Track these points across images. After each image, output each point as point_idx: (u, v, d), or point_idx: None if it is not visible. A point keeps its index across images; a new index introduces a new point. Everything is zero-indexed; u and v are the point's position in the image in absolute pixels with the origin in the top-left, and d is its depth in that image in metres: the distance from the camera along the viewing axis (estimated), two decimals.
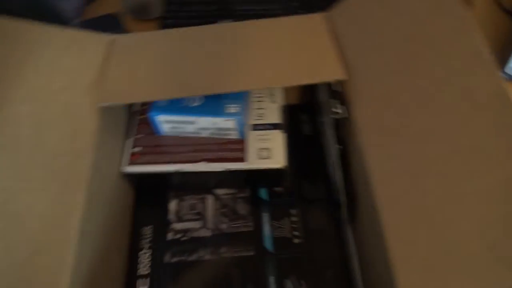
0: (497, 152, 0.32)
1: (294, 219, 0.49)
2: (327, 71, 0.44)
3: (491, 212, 0.31)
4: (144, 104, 0.53)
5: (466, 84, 0.35)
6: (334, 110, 0.44)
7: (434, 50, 0.39)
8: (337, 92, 0.45)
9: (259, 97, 0.52)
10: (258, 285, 0.45)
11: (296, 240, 0.47)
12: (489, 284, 0.29)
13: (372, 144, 0.39)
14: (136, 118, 0.52)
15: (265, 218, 0.49)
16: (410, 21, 0.41)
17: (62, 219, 0.37)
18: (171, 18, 0.71)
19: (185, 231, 0.48)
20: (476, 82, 0.35)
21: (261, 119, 0.50)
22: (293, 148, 0.54)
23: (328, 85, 0.46)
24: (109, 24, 0.70)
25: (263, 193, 0.51)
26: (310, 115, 0.58)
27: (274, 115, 0.51)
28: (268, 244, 0.47)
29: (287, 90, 0.57)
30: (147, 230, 0.48)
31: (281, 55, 0.46)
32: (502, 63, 0.63)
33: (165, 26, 0.70)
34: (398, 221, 0.35)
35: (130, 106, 0.54)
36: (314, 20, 0.50)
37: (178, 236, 0.48)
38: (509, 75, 0.63)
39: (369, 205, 0.39)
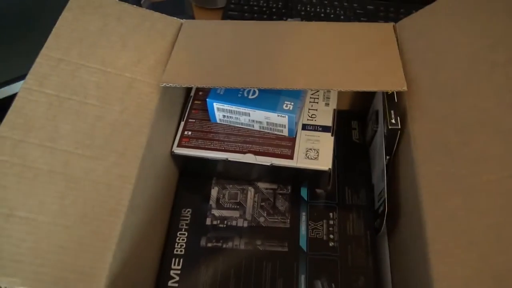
0: None
1: (331, 222, 0.49)
2: (387, 80, 0.44)
3: None
4: (200, 90, 0.55)
5: None
6: (390, 120, 0.43)
7: (505, 73, 0.38)
8: (393, 102, 0.45)
9: (314, 98, 0.53)
10: (288, 281, 0.45)
11: (331, 243, 0.48)
12: None
13: (427, 160, 0.39)
14: (191, 103, 0.54)
15: (303, 217, 0.49)
16: (479, 40, 0.40)
17: (115, 189, 0.38)
18: (235, 11, 0.72)
19: (223, 219, 0.49)
20: None
21: (313, 120, 0.51)
22: (341, 153, 0.55)
23: (386, 94, 0.46)
24: (176, 8, 0.72)
25: (304, 192, 0.51)
26: (361, 122, 0.58)
27: (326, 118, 0.51)
28: (302, 243, 0.48)
29: (341, 95, 0.57)
30: (187, 212, 0.50)
31: (343, 59, 0.46)
32: None
33: (227, 17, 0.72)
34: (445, 244, 0.34)
35: (188, 90, 0.55)
36: (382, 29, 0.50)
37: (216, 222, 0.49)
38: None
39: (415, 222, 0.39)
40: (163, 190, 0.49)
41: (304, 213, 0.50)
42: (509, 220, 0.32)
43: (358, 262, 0.46)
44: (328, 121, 0.50)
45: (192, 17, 0.72)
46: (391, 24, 0.50)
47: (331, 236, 0.48)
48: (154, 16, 0.50)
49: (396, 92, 0.46)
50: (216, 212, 0.50)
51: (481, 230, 0.32)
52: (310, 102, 0.52)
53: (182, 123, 0.52)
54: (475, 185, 0.34)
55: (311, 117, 0.51)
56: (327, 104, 0.52)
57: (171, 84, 0.44)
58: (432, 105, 0.41)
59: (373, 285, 0.45)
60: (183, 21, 0.51)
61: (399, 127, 0.43)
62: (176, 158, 0.50)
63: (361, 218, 0.49)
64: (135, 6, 0.49)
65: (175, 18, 0.51)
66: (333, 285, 0.45)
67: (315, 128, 0.50)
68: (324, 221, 0.49)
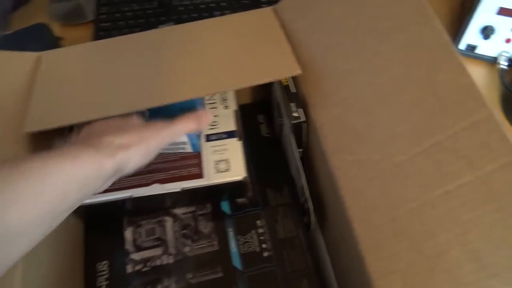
0: (465, 152, 0.30)
1: (261, 230, 0.46)
2: (279, 67, 0.41)
3: (467, 216, 0.29)
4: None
5: (428, 77, 0.33)
6: (292, 114, 0.40)
7: (391, 42, 0.36)
8: (291, 93, 0.42)
9: (211, 103, 0.48)
10: None
11: (265, 253, 0.45)
12: None
13: (337, 150, 0.36)
14: None
15: (230, 234, 0.46)
16: (362, 14, 0.38)
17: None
18: (106, 21, 0.65)
19: (145, 261, 0.44)
20: (440, 75, 0.32)
21: (215, 128, 0.46)
22: (253, 152, 0.51)
23: (282, 86, 0.43)
24: (39, 33, 0.63)
25: (226, 206, 0.47)
26: (267, 115, 0.55)
27: (228, 122, 0.47)
28: (236, 262, 0.44)
29: (239, 90, 0.53)
30: (103, 266, 0.44)
31: (229, 56, 0.42)
32: (454, 39, 0.62)
33: (100, 29, 0.64)
34: (372, 232, 0.32)
35: (67, 129, 0.49)
36: (262, 15, 0.46)
37: (139, 267, 0.44)
38: (461, 50, 0.62)
39: (339, 213, 0.37)
40: (67, 253, 0.42)
41: (230, 229, 0.46)
42: (427, 199, 0.30)
43: (297, 265, 0.44)
44: (231, 126, 0.47)
45: (56, 42, 0.63)
46: (270, 8, 0.47)
47: (264, 246, 0.45)
48: (4, 55, 0.42)
49: (293, 80, 0.44)
50: (135, 256, 0.44)
51: (405, 216, 0.31)
52: (208, 109, 0.48)
53: None
54: (390, 169, 0.33)
55: (213, 125, 0.47)
56: (226, 107, 0.48)
57: (39, 129, 0.38)
58: (330, 88, 0.39)
59: (318, 285, 0.43)
60: (40, 53, 0.44)
61: (303, 119, 0.40)
62: (74, 211, 0.44)
63: (289, 217, 0.47)
64: None
65: (29, 52, 0.44)
66: None
67: (219, 136, 0.46)
68: (253, 231, 0.46)
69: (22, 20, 0.65)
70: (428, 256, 0.29)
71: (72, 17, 0.67)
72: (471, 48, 0.62)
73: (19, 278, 0.33)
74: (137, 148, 0.34)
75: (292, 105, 0.41)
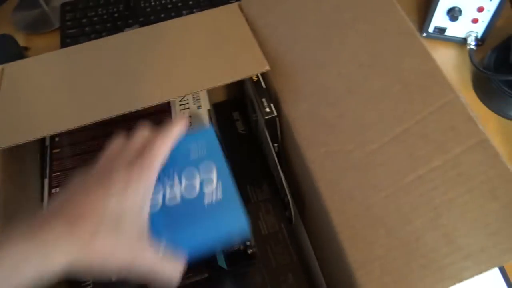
0: (434, 136, 0.30)
1: None
2: (248, 64, 0.41)
3: (439, 200, 0.29)
4: (56, 136, 0.47)
5: (393, 64, 0.33)
6: (264, 109, 0.40)
7: (356, 32, 0.36)
8: (262, 89, 0.42)
9: (183, 104, 0.48)
10: None
11: (249, 250, 0.44)
12: (452, 277, 0.28)
13: (310, 143, 0.36)
14: (50, 154, 0.46)
15: None
16: (327, 6, 0.38)
17: None
18: (73, 28, 0.64)
19: None
20: (405, 62, 0.33)
21: (189, 128, 0.46)
22: (230, 150, 0.51)
23: (252, 82, 0.43)
24: (3, 45, 0.62)
25: None
26: (242, 111, 0.55)
27: (202, 121, 0.47)
28: (221, 261, 0.44)
29: (212, 88, 0.53)
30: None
31: (197, 56, 0.42)
32: (422, 23, 0.63)
33: (66, 37, 0.63)
34: (349, 221, 0.33)
35: (41, 141, 0.48)
36: (228, 12, 0.46)
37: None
38: (430, 33, 0.63)
39: (317, 205, 0.37)
40: None
41: None
42: (401, 185, 0.30)
43: (282, 260, 0.44)
44: (205, 125, 0.46)
45: (22, 52, 0.62)
46: (236, 3, 0.46)
47: (247, 243, 0.45)
48: None
49: (262, 76, 0.43)
50: None
51: (380, 204, 0.31)
52: (181, 110, 0.48)
53: (46, 181, 0.44)
54: (362, 158, 0.33)
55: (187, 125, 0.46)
56: (199, 107, 0.48)
57: (8, 145, 0.37)
58: (300, 82, 0.39)
59: (303, 278, 0.43)
60: (2, 66, 0.43)
61: (275, 114, 0.40)
62: None
63: (271, 212, 0.47)
64: None
65: None
66: None
67: None
68: None
69: None
70: (404, 242, 0.29)
71: (37, 26, 0.65)
72: (440, 30, 0.63)
73: None
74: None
75: (264, 100, 0.41)
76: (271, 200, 0.48)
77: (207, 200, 0.33)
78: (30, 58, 0.45)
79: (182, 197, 0.33)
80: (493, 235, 0.27)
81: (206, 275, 0.43)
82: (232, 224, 0.33)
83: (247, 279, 0.43)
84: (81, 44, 0.46)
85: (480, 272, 0.27)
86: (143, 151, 0.31)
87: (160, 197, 0.33)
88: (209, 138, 0.37)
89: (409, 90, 0.32)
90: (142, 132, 0.34)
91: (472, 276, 0.27)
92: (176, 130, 0.34)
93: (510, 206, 0.27)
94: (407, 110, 0.31)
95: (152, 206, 0.31)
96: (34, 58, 0.44)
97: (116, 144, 0.33)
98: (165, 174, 0.34)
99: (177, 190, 0.33)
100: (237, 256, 0.44)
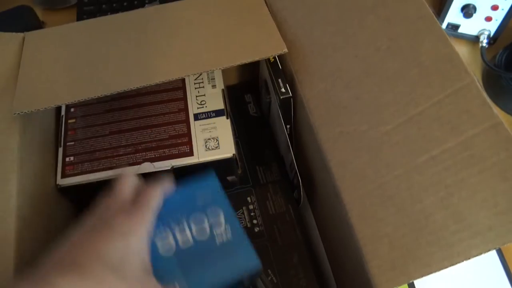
0: (448, 118, 0.31)
1: (251, 207, 0.47)
2: (266, 46, 0.41)
3: (451, 180, 0.30)
4: (72, 106, 0.48)
5: (411, 48, 0.34)
6: (279, 90, 0.41)
7: (376, 16, 0.37)
8: (278, 69, 0.43)
9: (198, 83, 0.49)
10: None
11: (256, 229, 0.45)
12: (460, 254, 0.29)
13: (324, 123, 0.37)
14: (65, 124, 0.47)
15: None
16: None
17: None
18: (90, 5, 0.64)
19: None
20: (423, 45, 0.33)
21: (203, 107, 0.47)
22: (241, 131, 0.52)
23: (269, 62, 0.43)
24: (22, 16, 0.62)
25: None
26: (254, 94, 0.55)
27: (216, 101, 0.47)
28: None
29: (226, 70, 0.53)
30: None
31: (216, 35, 0.43)
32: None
33: (83, 13, 0.64)
34: (360, 199, 0.33)
35: (57, 110, 0.48)
36: None
37: None
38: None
39: (328, 184, 0.37)
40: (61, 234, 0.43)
41: None
42: (414, 165, 0.31)
43: (288, 239, 0.45)
44: (219, 104, 0.47)
45: (40, 26, 0.62)
46: None
47: (255, 221, 0.46)
48: None
49: (279, 57, 0.44)
50: None
51: (392, 183, 0.32)
52: (195, 88, 0.48)
53: (60, 150, 0.45)
54: (376, 139, 0.33)
55: (201, 104, 0.47)
56: (214, 86, 0.48)
57: (27, 110, 0.38)
58: (316, 64, 0.40)
59: (308, 258, 0.44)
60: (24, 34, 0.44)
61: (290, 94, 0.41)
62: (65, 191, 0.44)
63: (279, 193, 0.47)
64: None
65: (14, 33, 0.43)
66: (269, 271, 0.43)
67: (208, 115, 0.46)
68: (244, 208, 0.47)
69: (4, 3, 0.64)
70: (414, 220, 0.30)
71: (54, 1, 0.66)
72: (453, 27, 0.63)
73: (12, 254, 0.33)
74: None
75: (280, 81, 0.42)
76: (279, 181, 0.48)
77: (218, 240, 0.35)
78: (50, 28, 0.45)
79: (194, 239, 0.35)
80: (502, 214, 0.28)
81: None
82: (246, 261, 0.34)
83: None
84: (101, 17, 0.46)
85: (488, 250, 0.27)
86: (137, 198, 0.33)
87: (172, 241, 0.34)
88: (212, 184, 0.38)
89: (426, 74, 0.32)
90: (130, 181, 0.35)
91: (480, 253, 0.28)
92: (164, 185, 0.36)
93: None
94: (423, 92, 0.32)
95: (166, 250, 0.34)
96: (54, 28, 0.45)
97: (109, 196, 0.33)
98: (173, 220, 0.35)
99: (188, 233, 0.35)
100: None
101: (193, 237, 0.35)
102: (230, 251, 0.34)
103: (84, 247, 0.28)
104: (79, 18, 0.63)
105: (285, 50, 0.40)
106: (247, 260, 0.34)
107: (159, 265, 0.32)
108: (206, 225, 0.35)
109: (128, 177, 0.35)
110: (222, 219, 0.36)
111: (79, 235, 0.30)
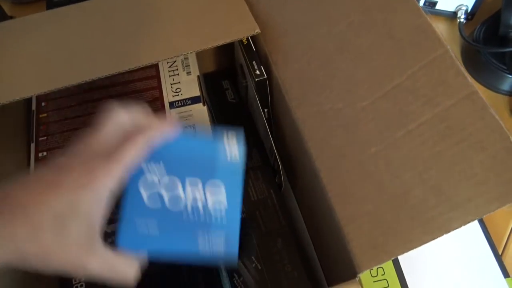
0: (424, 91, 0.30)
1: None
2: (238, 28, 0.40)
3: (429, 153, 0.29)
4: (43, 100, 0.46)
5: (384, 21, 0.33)
6: (254, 72, 0.40)
7: None
8: (252, 52, 0.42)
9: (173, 70, 0.47)
10: (209, 276, 0.42)
11: None
12: (441, 227, 0.28)
13: (301, 103, 0.36)
14: (36, 118, 0.45)
15: None
16: None
17: None
18: None
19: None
20: (396, 18, 0.32)
21: (179, 95, 0.46)
22: (220, 118, 0.51)
23: (243, 45, 0.42)
24: None
25: None
26: (232, 80, 0.54)
27: (191, 88, 0.46)
28: None
29: (202, 58, 0.52)
30: None
31: (187, 19, 0.41)
32: None
33: (52, 6, 0.62)
34: (338, 178, 0.33)
35: (27, 104, 0.47)
36: None
37: (111, 239, 0.43)
38: (421, 7, 0.63)
39: (307, 165, 0.37)
40: None
41: None
42: (391, 141, 0.31)
43: (271, 225, 0.44)
44: (195, 91, 0.46)
45: (7, 18, 0.60)
46: None
47: None
48: None
49: (252, 39, 0.43)
50: (108, 229, 0.43)
51: (370, 160, 0.31)
52: (170, 76, 0.47)
53: (33, 145, 0.44)
54: (353, 116, 0.33)
55: (176, 92, 0.46)
56: (188, 73, 0.47)
57: None
58: (290, 43, 0.39)
59: (293, 243, 0.43)
60: None
61: (265, 76, 0.40)
62: None
63: (261, 179, 0.47)
64: None
65: None
66: (253, 258, 0.42)
67: (184, 102, 0.45)
68: None
69: None
70: (393, 196, 0.30)
71: None
72: (431, 4, 0.63)
73: None
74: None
75: (254, 63, 0.40)
76: (261, 167, 0.48)
77: (209, 217, 0.30)
78: (16, 19, 0.44)
79: (185, 205, 0.30)
80: (481, 185, 0.27)
81: None
82: (226, 249, 0.31)
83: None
84: (69, 6, 0.44)
85: (468, 222, 0.27)
86: (118, 147, 0.27)
87: (160, 196, 0.30)
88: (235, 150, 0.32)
89: (399, 46, 0.31)
90: (115, 119, 0.29)
91: (460, 226, 0.27)
92: (166, 130, 0.30)
93: (497, 156, 0.27)
94: (397, 65, 0.31)
95: (152, 202, 0.29)
96: (21, 19, 0.43)
97: (89, 135, 0.28)
98: (171, 172, 0.30)
99: (181, 194, 0.30)
100: None
101: (185, 202, 0.30)
102: (216, 233, 0.30)
103: (37, 189, 0.25)
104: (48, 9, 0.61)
105: (258, 30, 0.39)
106: (227, 249, 0.31)
107: (138, 214, 0.29)
108: (203, 195, 0.31)
109: (113, 114, 0.28)
110: (224, 197, 0.31)
111: (38, 176, 0.26)
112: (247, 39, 0.42)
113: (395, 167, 0.30)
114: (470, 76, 0.58)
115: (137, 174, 0.29)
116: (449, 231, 0.27)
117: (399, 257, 0.43)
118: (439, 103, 0.29)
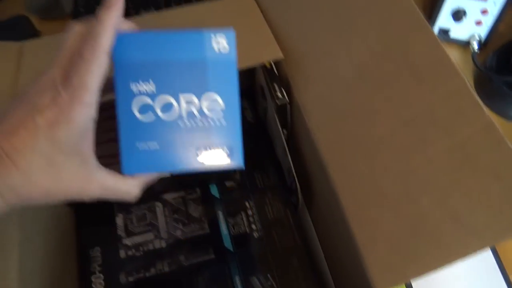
0: (442, 120, 0.32)
1: (250, 212, 0.47)
2: (261, 52, 0.42)
3: (446, 180, 0.31)
4: None
5: (405, 52, 0.35)
6: (275, 95, 0.42)
7: (367, 20, 0.37)
8: (274, 75, 0.43)
9: None
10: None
11: (255, 234, 0.46)
12: (456, 252, 0.29)
13: (321, 126, 0.38)
14: None
15: (221, 216, 0.47)
16: None
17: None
18: (84, 14, 0.65)
19: (138, 246, 0.45)
20: (415, 48, 0.34)
21: None
22: None
23: (265, 68, 0.44)
24: (19, 26, 0.63)
25: (215, 190, 0.48)
26: (251, 100, 0.56)
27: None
28: (227, 243, 0.45)
29: None
30: (96, 252, 0.44)
31: None
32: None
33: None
34: (358, 202, 0.34)
35: None
36: (242, 1, 0.47)
37: (131, 252, 0.44)
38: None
39: (326, 188, 0.38)
40: (60, 241, 0.43)
41: (220, 212, 0.47)
42: (410, 167, 0.32)
43: (287, 243, 0.45)
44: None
45: (36, 35, 0.63)
46: None
47: (253, 227, 0.46)
48: None
49: (274, 63, 0.45)
50: (128, 241, 0.45)
51: (389, 185, 0.32)
52: None
53: None
54: (373, 142, 0.34)
55: None
56: None
57: None
58: (311, 70, 0.40)
59: (307, 261, 0.44)
60: (22, 43, 0.44)
61: (287, 100, 0.41)
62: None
63: (277, 198, 0.48)
64: None
65: (12, 42, 0.44)
66: (268, 275, 0.43)
67: None
68: (242, 213, 0.47)
69: (1, 13, 0.64)
70: (410, 220, 0.31)
71: (49, 11, 0.66)
72: (444, 32, 0.64)
73: (15, 266, 0.33)
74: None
75: (276, 87, 0.42)
76: (277, 186, 0.49)
77: (206, 122, 0.29)
78: (47, 36, 0.46)
79: (180, 113, 0.28)
80: (496, 213, 0.28)
81: (212, 256, 0.44)
82: (228, 150, 0.29)
83: (252, 261, 0.44)
84: None
85: (483, 247, 0.28)
86: (75, 61, 0.26)
87: (150, 104, 0.28)
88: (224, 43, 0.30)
89: (418, 76, 0.33)
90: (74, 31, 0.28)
91: (475, 251, 0.28)
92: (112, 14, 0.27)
93: None
94: (416, 95, 0.33)
95: (145, 115, 0.28)
96: (52, 37, 0.45)
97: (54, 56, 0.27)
98: (157, 79, 0.28)
99: (174, 104, 0.28)
100: (242, 238, 0.46)
101: (179, 110, 0.28)
102: (218, 137, 0.29)
103: (19, 135, 0.24)
104: None
105: (281, 55, 0.41)
106: (231, 152, 0.29)
107: (137, 137, 0.28)
108: (197, 99, 0.28)
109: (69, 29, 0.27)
110: (220, 98, 0.29)
111: (14, 116, 0.25)
112: (270, 63, 0.44)
113: (413, 192, 0.31)
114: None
115: (128, 97, 0.28)
116: (465, 256, 0.29)
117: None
118: (456, 132, 0.30)
